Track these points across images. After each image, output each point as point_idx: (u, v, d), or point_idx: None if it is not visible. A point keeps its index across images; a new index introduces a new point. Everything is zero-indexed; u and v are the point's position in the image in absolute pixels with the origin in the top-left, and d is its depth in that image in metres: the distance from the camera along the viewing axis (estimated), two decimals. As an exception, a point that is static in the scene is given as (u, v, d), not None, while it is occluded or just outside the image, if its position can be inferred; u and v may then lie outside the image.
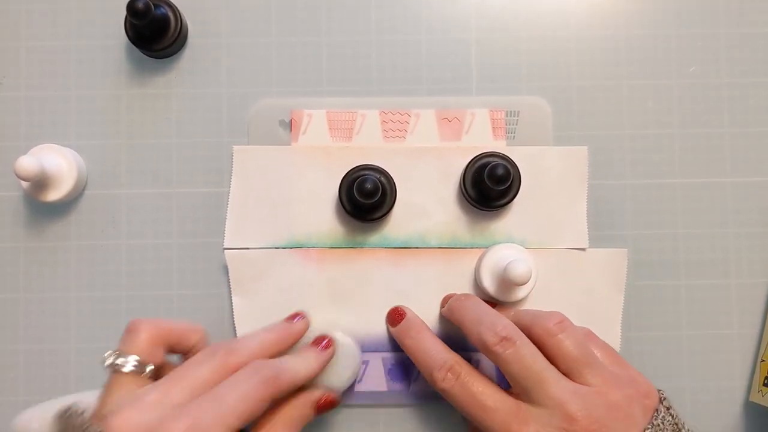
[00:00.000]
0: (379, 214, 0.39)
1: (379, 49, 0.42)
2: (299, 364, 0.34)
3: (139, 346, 0.32)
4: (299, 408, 0.35)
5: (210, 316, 0.41)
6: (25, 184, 0.40)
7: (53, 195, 0.40)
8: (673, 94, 0.42)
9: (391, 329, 0.40)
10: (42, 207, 0.41)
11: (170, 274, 0.41)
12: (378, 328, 0.40)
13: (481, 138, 0.41)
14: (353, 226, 0.41)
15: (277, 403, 0.34)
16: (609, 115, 0.42)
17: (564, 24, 0.43)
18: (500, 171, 0.37)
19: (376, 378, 0.40)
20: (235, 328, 0.40)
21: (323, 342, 0.37)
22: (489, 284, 0.39)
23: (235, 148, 0.41)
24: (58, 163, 0.40)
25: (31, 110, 0.42)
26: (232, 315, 0.40)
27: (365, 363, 0.40)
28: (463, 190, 0.40)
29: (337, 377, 0.37)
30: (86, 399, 0.31)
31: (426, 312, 0.41)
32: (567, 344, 0.34)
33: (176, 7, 0.41)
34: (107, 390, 0.31)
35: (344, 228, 0.41)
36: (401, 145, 0.41)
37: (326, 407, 0.36)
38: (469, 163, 0.40)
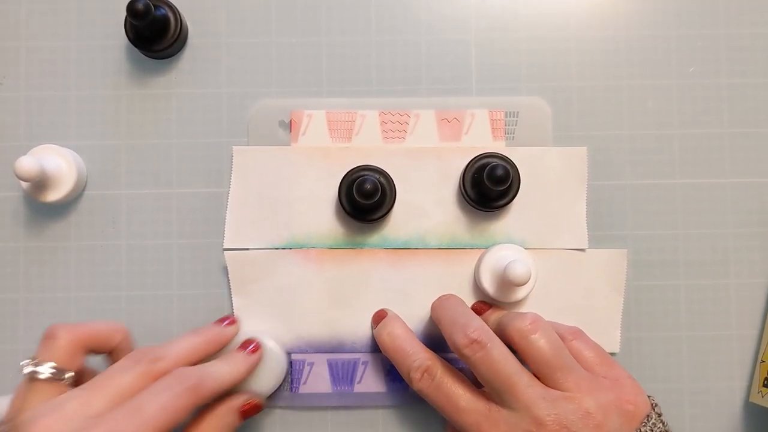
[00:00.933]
0: (378, 214, 0.39)
1: (379, 50, 0.42)
2: (225, 370, 0.34)
3: (57, 353, 0.31)
4: (223, 416, 0.35)
5: (210, 317, 0.41)
6: (25, 184, 0.40)
7: (53, 195, 0.40)
8: (673, 94, 0.42)
9: (373, 329, 0.40)
10: (42, 207, 0.42)
11: (170, 274, 0.41)
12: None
13: (480, 138, 0.41)
14: (353, 226, 0.41)
15: (200, 410, 0.34)
16: (609, 116, 0.42)
17: (564, 24, 0.43)
18: (500, 171, 0.37)
19: (376, 379, 0.40)
20: (234, 328, 0.40)
21: (250, 346, 0.37)
22: (488, 285, 0.39)
23: (235, 148, 0.41)
24: (58, 163, 0.40)
25: (30, 111, 0.42)
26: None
27: (364, 364, 0.40)
28: (463, 190, 0.40)
29: (262, 382, 0.37)
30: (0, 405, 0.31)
31: (425, 313, 0.41)
32: (539, 345, 0.33)
33: (176, 8, 0.41)
34: (23, 397, 0.30)
35: (344, 228, 0.41)
36: (401, 146, 0.41)
37: (250, 412, 0.36)
38: (469, 163, 0.40)
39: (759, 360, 0.41)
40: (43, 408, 0.29)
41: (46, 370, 0.31)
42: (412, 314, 0.41)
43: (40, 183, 0.39)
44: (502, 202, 0.39)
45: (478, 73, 0.42)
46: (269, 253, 0.41)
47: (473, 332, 0.34)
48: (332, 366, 0.40)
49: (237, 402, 0.36)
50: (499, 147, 0.41)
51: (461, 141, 0.41)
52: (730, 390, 0.41)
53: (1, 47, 0.42)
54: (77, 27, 0.42)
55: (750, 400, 0.41)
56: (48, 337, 0.32)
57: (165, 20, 0.40)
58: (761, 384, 0.40)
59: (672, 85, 0.42)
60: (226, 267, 0.41)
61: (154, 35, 0.40)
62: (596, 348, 0.36)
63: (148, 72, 0.42)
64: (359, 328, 0.40)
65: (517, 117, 0.42)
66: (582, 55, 0.43)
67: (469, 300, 0.41)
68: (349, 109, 0.42)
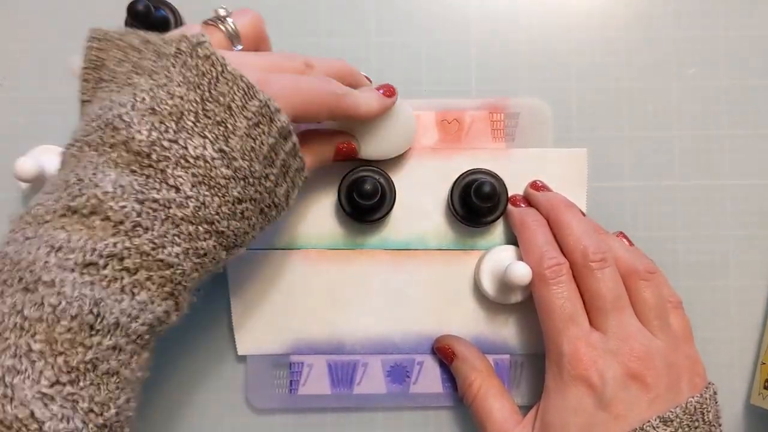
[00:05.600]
0: (378, 215, 0.39)
1: (379, 52, 0.42)
2: (361, 97, 0.35)
3: (244, 24, 0.34)
4: (322, 142, 0.36)
5: (209, 317, 0.41)
6: (24, 185, 0.39)
7: (52, 196, 0.40)
8: (673, 96, 0.42)
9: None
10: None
11: (169, 275, 0.41)
12: (377, 329, 0.40)
13: (480, 140, 0.41)
14: (352, 227, 0.41)
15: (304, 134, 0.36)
16: (609, 118, 0.42)
17: (564, 26, 0.43)
18: (487, 188, 0.37)
19: (375, 380, 0.40)
20: (233, 329, 0.40)
21: (385, 88, 0.37)
22: (489, 286, 0.39)
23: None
24: (58, 164, 0.39)
25: (30, 111, 0.42)
26: (231, 316, 0.40)
27: (364, 366, 0.40)
28: (451, 207, 0.40)
29: (385, 142, 0.38)
30: None
31: (424, 314, 0.40)
32: (647, 294, 0.36)
33: (176, 9, 0.41)
34: (193, 28, 0.32)
35: (343, 229, 0.41)
36: (401, 147, 0.41)
37: (345, 153, 0.37)
38: (456, 180, 0.40)
39: (759, 362, 0.41)
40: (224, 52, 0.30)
41: (230, 26, 0.33)
42: (411, 315, 0.40)
43: (39, 184, 0.39)
44: (490, 218, 0.39)
45: (478, 74, 0.42)
46: (269, 254, 0.40)
47: (608, 251, 0.36)
48: (332, 367, 0.40)
49: (338, 138, 0.37)
50: (499, 148, 0.41)
51: (461, 142, 0.41)
52: (731, 392, 0.41)
53: (1, 47, 0.42)
54: (77, 28, 0.42)
55: (751, 401, 0.41)
56: (242, 10, 0.34)
57: (165, 21, 0.40)
58: (762, 386, 0.40)
59: (672, 86, 0.43)
60: (225, 268, 0.41)
61: (154, 36, 0.40)
62: (685, 324, 0.37)
63: (147, 73, 0.42)
64: (359, 330, 0.40)
65: (517, 118, 0.42)
66: (582, 57, 0.43)
67: (469, 301, 0.41)
68: (349, 110, 0.41)
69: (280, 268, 0.40)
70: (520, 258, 0.38)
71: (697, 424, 0.33)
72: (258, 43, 0.35)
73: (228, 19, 0.33)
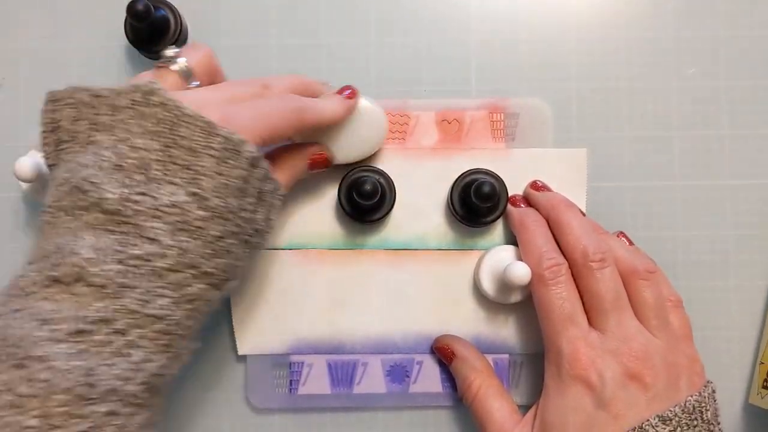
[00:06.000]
0: (378, 215, 0.39)
1: (379, 51, 0.42)
2: (324, 105, 0.35)
3: (195, 58, 0.34)
4: (295, 157, 0.36)
5: (208, 318, 0.41)
6: (24, 185, 0.39)
7: (53, 196, 0.40)
8: (673, 96, 0.42)
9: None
10: (41, 208, 0.41)
11: (169, 275, 0.41)
12: (376, 329, 0.40)
13: (480, 140, 0.41)
14: (352, 227, 0.41)
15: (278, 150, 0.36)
16: (609, 117, 0.42)
17: (564, 26, 0.43)
18: (486, 188, 0.37)
19: (375, 380, 0.40)
20: (233, 329, 0.40)
21: (347, 91, 0.37)
22: (488, 286, 0.39)
23: (235, 149, 0.41)
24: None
25: (30, 111, 0.42)
26: (231, 316, 0.40)
27: (364, 365, 0.40)
28: (451, 207, 0.40)
29: (357, 143, 0.38)
30: None
31: (424, 314, 0.41)
32: (647, 294, 0.36)
33: (176, 9, 0.41)
34: (145, 76, 0.32)
35: (343, 229, 0.41)
36: (401, 147, 0.41)
37: (319, 163, 0.37)
38: (456, 180, 0.40)
39: (758, 361, 0.41)
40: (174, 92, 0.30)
41: (181, 63, 0.33)
42: (411, 315, 0.41)
43: (39, 184, 0.39)
44: (490, 218, 0.39)
45: (478, 74, 0.42)
46: (269, 254, 0.41)
47: (608, 251, 0.36)
48: (332, 367, 0.40)
49: (310, 149, 0.37)
50: (499, 148, 0.41)
51: (461, 142, 0.41)
52: (730, 391, 0.41)
53: (1, 48, 0.42)
54: (77, 28, 0.42)
55: (749, 401, 0.41)
56: (193, 46, 0.35)
57: (165, 21, 0.40)
58: (761, 385, 0.40)
59: (672, 86, 0.43)
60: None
61: (154, 36, 0.40)
62: (685, 323, 0.37)
63: (148, 73, 0.42)
64: (359, 330, 0.40)
65: (517, 118, 0.42)
66: (582, 57, 0.43)
67: (469, 301, 0.41)
68: (349, 110, 0.41)
69: (280, 268, 0.40)
70: (520, 258, 0.38)
71: (695, 422, 0.33)
72: (212, 77, 0.35)
73: (178, 59, 0.33)
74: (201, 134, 0.29)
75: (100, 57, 0.42)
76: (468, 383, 0.38)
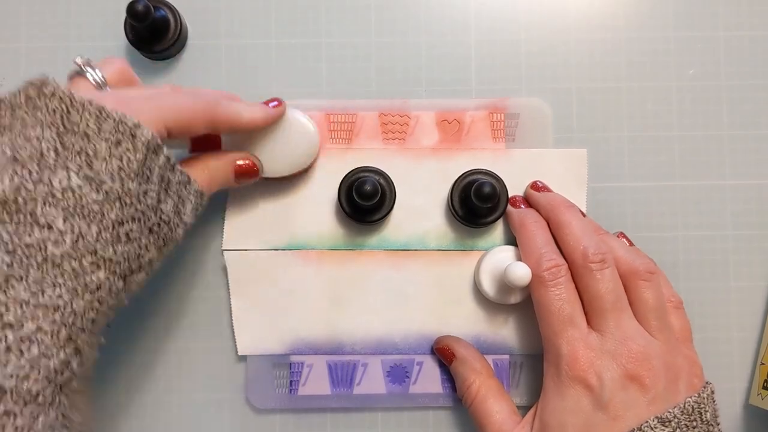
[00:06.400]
0: (378, 216, 0.39)
1: (379, 51, 0.42)
2: (241, 107, 0.35)
3: (110, 70, 0.34)
4: (219, 166, 0.36)
5: (209, 318, 0.41)
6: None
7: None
8: (673, 96, 0.42)
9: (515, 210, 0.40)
10: None
11: (169, 274, 0.41)
12: (376, 330, 0.40)
13: (480, 140, 0.41)
14: (352, 227, 0.41)
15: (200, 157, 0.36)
16: (609, 118, 0.42)
17: (564, 26, 0.43)
18: (487, 189, 0.37)
19: (375, 380, 0.40)
20: (233, 329, 0.40)
21: (273, 102, 0.37)
22: (488, 286, 0.39)
23: (235, 149, 0.41)
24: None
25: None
26: (231, 317, 0.40)
27: (364, 366, 0.40)
28: (451, 208, 0.40)
29: (286, 157, 0.38)
30: None
31: (424, 314, 0.40)
32: (647, 294, 0.36)
33: (176, 9, 0.41)
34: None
35: (343, 230, 0.41)
36: (401, 147, 0.41)
37: (245, 173, 0.37)
38: (456, 181, 0.40)
39: (759, 362, 0.41)
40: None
41: (97, 75, 0.33)
42: (411, 316, 0.41)
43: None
44: (490, 219, 0.39)
45: (478, 74, 0.42)
46: (269, 254, 0.41)
47: (608, 252, 0.36)
48: (332, 368, 0.40)
49: (235, 156, 0.37)
50: (499, 148, 0.41)
51: (461, 142, 0.41)
52: (730, 392, 0.41)
53: (1, 48, 0.42)
54: (77, 28, 0.42)
55: (750, 402, 0.41)
56: (106, 60, 0.35)
57: (165, 21, 0.40)
58: (761, 386, 0.40)
59: (672, 86, 0.43)
60: (225, 268, 0.41)
61: (153, 36, 0.40)
62: (685, 324, 0.37)
63: (148, 73, 0.42)
64: (359, 330, 0.40)
65: (517, 119, 0.42)
66: (582, 57, 0.43)
67: (469, 301, 0.41)
68: (349, 111, 0.42)
69: (280, 268, 0.40)
70: (520, 258, 0.38)
71: (695, 423, 0.33)
72: (131, 85, 0.35)
73: (88, 68, 0.33)
74: (92, 119, 0.29)
75: (100, 57, 0.42)
76: (468, 384, 0.38)
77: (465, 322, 0.41)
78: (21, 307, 0.27)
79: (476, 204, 0.38)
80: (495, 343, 0.40)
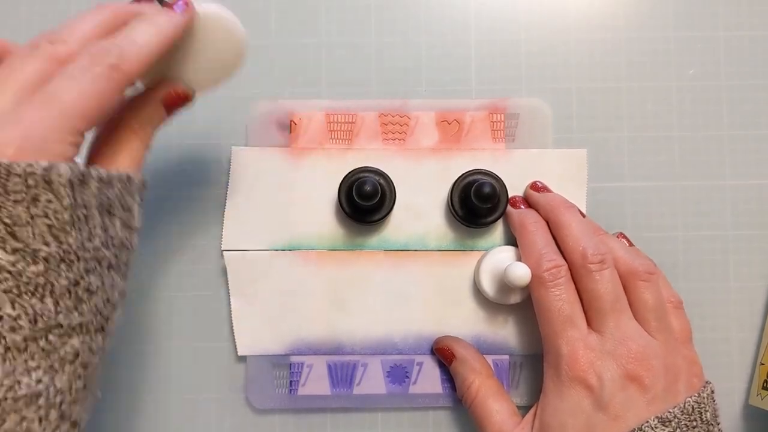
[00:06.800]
0: (378, 216, 0.39)
1: (379, 51, 0.42)
2: (147, 32, 0.28)
3: None
4: (144, 109, 0.30)
5: (209, 318, 0.41)
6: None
7: (52, 196, 0.39)
8: (673, 96, 0.42)
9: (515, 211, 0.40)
10: None
11: (168, 275, 0.41)
12: (376, 330, 0.40)
13: (480, 140, 0.41)
14: (352, 228, 0.41)
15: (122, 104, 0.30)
16: (608, 118, 0.42)
17: (564, 26, 0.43)
18: (487, 189, 0.37)
19: (375, 380, 0.40)
20: (233, 330, 0.40)
21: (179, 3, 0.30)
22: (488, 286, 0.39)
23: (234, 149, 0.41)
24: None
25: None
26: (231, 317, 0.40)
27: (364, 366, 0.40)
28: (451, 208, 0.40)
29: (202, 62, 0.31)
30: None
31: (424, 314, 0.40)
32: (646, 295, 0.35)
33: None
34: None
35: (343, 230, 0.41)
36: (401, 148, 0.41)
37: (175, 103, 0.31)
38: (456, 181, 0.40)
39: (758, 362, 0.41)
40: None
41: None
42: (411, 316, 0.41)
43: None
44: (490, 219, 0.39)
45: (478, 74, 0.42)
46: (268, 255, 0.41)
47: (607, 253, 0.36)
48: (331, 368, 0.40)
49: (159, 92, 0.31)
50: (499, 149, 0.41)
51: (461, 143, 0.41)
52: (730, 392, 0.41)
53: (0, 48, 0.42)
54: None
55: (749, 402, 0.41)
56: None
57: (165, 21, 0.40)
58: (760, 386, 0.40)
59: (672, 87, 0.42)
60: (225, 268, 0.41)
61: (153, 36, 0.40)
62: (685, 324, 0.37)
63: (147, 73, 0.42)
64: (359, 330, 0.40)
65: (517, 119, 0.42)
66: (582, 57, 0.43)
67: (469, 301, 0.41)
68: (349, 111, 0.41)
69: (280, 268, 0.40)
70: (520, 259, 0.38)
71: (695, 423, 0.33)
72: None
73: None
74: None
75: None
76: (467, 384, 0.38)
77: (465, 322, 0.41)
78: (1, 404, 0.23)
79: (476, 204, 0.38)
80: (495, 344, 0.40)
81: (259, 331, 0.40)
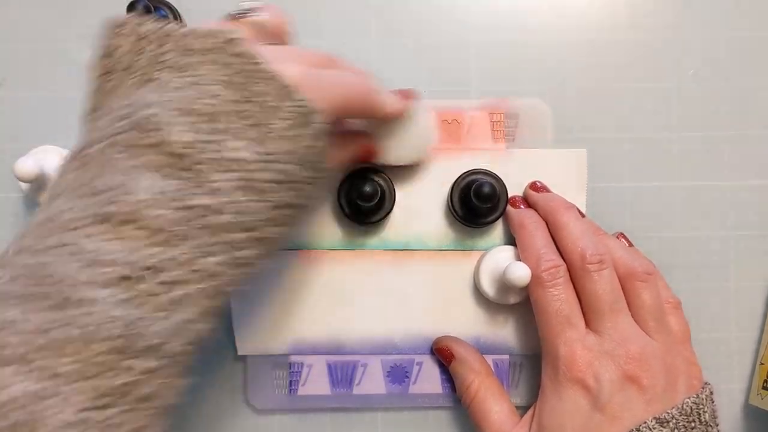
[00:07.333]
0: (378, 216, 0.39)
1: (378, 52, 0.42)
2: (387, 96, 0.34)
3: (270, 17, 0.31)
4: (347, 141, 0.35)
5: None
6: (24, 185, 0.40)
7: (53, 197, 0.40)
8: (673, 96, 0.42)
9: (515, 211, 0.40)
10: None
11: (169, 275, 0.41)
12: (376, 330, 0.40)
13: (480, 140, 0.41)
14: (352, 228, 0.41)
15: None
16: (608, 118, 0.42)
17: (563, 26, 0.43)
18: (486, 189, 0.37)
19: (375, 380, 0.40)
20: (233, 330, 0.40)
21: (406, 92, 0.36)
22: (488, 287, 0.39)
23: (235, 149, 0.41)
24: (58, 164, 0.39)
25: (31, 111, 0.42)
26: (231, 317, 0.40)
27: (364, 366, 0.40)
28: (451, 208, 0.40)
29: (404, 147, 0.38)
30: None
31: (424, 314, 0.41)
32: (645, 295, 0.35)
33: (176, 10, 0.41)
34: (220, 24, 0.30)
35: (343, 231, 0.41)
36: (400, 148, 0.41)
37: (365, 155, 0.37)
38: (456, 181, 0.40)
39: (758, 362, 0.41)
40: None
41: (257, 18, 0.31)
42: (411, 316, 0.41)
43: (39, 184, 0.39)
44: (489, 219, 0.39)
45: (478, 74, 0.42)
46: (269, 255, 0.41)
47: (605, 253, 0.36)
48: (331, 368, 0.40)
49: (362, 138, 0.37)
50: (499, 149, 0.41)
51: (461, 143, 0.41)
52: (730, 392, 0.41)
53: (1, 48, 0.42)
54: (77, 28, 0.42)
55: (749, 402, 0.41)
56: (265, 6, 0.32)
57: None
58: (761, 386, 0.40)
59: (672, 87, 0.42)
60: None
61: (153, 36, 0.40)
62: (684, 326, 0.37)
63: (147, 73, 0.42)
64: (358, 330, 0.40)
65: (517, 119, 0.42)
66: (582, 57, 0.43)
67: (469, 301, 0.41)
68: (349, 111, 0.41)
69: (280, 268, 0.40)
70: (520, 259, 0.38)
71: (693, 424, 0.33)
72: (282, 38, 0.33)
73: (254, 12, 0.31)
74: (276, 94, 0.27)
75: (100, 57, 0.42)
76: (467, 384, 0.38)
77: (465, 322, 0.41)
78: (178, 268, 0.25)
79: (476, 204, 0.38)
80: (495, 344, 0.40)
81: (258, 331, 0.40)
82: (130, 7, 0.37)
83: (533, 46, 0.42)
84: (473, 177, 0.39)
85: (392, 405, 0.41)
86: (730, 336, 0.42)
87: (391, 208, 0.39)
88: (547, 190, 0.40)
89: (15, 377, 0.23)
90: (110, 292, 0.24)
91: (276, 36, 0.32)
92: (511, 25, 0.43)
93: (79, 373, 0.23)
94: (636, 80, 0.42)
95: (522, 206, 0.40)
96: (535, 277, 0.36)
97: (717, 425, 0.34)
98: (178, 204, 0.25)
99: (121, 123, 0.26)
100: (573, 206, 0.39)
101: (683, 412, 0.33)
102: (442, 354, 0.40)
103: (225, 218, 0.26)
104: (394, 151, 0.38)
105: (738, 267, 0.42)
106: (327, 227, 0.41)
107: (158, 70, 0.27)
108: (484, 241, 0.41)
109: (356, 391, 0.40)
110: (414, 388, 0.40)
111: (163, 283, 0.25)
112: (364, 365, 0.40)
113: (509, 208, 0.40)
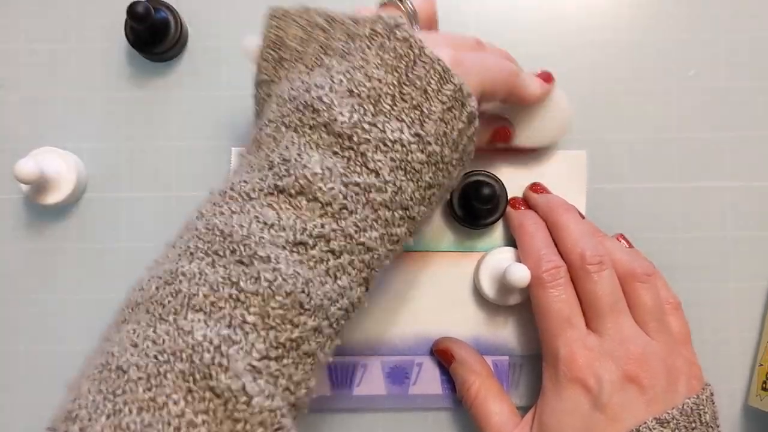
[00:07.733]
0: (493, 218, 0.39)
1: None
2: (530, 80, 0.35)
3: (420, 3, 0.33)
4: (485, 124, 0.36)
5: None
6: (25, 187, 0.40)
7: (53, 198, 0.40)
8: (673, 97, 0.42)
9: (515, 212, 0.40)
10: (42, 210, 0.42)
11: (170, 276, 0.41)
12: (376, 331, 0.40)
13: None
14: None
15: None
16: (608, 119, 0.42)
17: (563, 27, 0.43)
18: (486, 190, 0.37)
19: (375, 381, 0.40)
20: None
21: (545, 74, 0.37)
22: (488, 287, 0.39)
23: (234, 149, 0.41)
24: (58, 166, 0.40)
25: (31, 113, 0.42)
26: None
27: (363, 366, 0.40)
28: (451, 209, 0.40)
29: (538, 130, 0.38)
30: None
31: (424, 315, 0.41)
32: (645, 296, 0.36)
33: (176, 11, 0.41)
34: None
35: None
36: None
37: (501, 137, 0.37)
38: None
39: (757, 363, 0.41)
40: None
41: (410, 8, 0.32)
42: (411, 317, 0.41)
43: (40, 186, 0.39)
44: (489, 220, 0.39)
45: (478, 75, 0.42)
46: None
47: (605, 254, 0.36)
48: (331, 368, 0.40)
49: (499, 120, 0.37)
50: (499, 150, 0.41)
51: (461, 144, 0.41)
52: (729, 393, 0.41)
53: (1, 49, 0.42)
54: (78, 29, 0.42)
55: (748, 403, 0.41)
56: None
57: (165, 23, 0.40)
58: (759, 387, 0.40)
59: (672, 88, 0.42)
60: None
61: (154, 38, 0.40)
62: (684, 326, 0.37)
63: (148, 74, 0.42)
64: (358, 331, 0.40)
65: (516, 120, 0.42)
66: (582, 57, 0.43)
67: (469, 302, 0.41)
68: (349, 112, 0.41)
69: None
70: (520, 260, 0.38)
71: (694, 425, 0.33)
72: (431, 24, 0.35)
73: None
74: (435, 77, 0.29)
75: (101, 59, 0.42)
76: (467, 386, 0.38)
77: (465, 323, 0.41)
78: (346, 239, 0.28)
79: (476, 205, 0.38)
80: (495, 345, 0.41)
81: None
82: (131, 9, 0.37)
83: (533, 47, 0.42)
84: (473, 178, 0.39)
85: (392, 406, 0.41)
86: (730, 337, 0.42)
87: (504, 210, 0.40)
88: (547, 192, 0.40)
89: (206, 322, 0.25)
90: (288, 253, 0.27)
91: (427, 20, 0.34)
92: (511, 25, 0.43)
93: (262, 323, 0.25)
94: (636, 81, 0.42)
95: (522, 208, 0.40)
96: (536, 278, 0.36)
97: (718, 426, 0.35)
98: (346, 180, 0.28)
99: (290, 105, 0.29)
100: (573, 207, 0.39)
101: (684, 412, 0.33)
102: (442, 355, 0.40)
103: (384, 196, 0.28)
104: (531, 132, 0.38)
105: (738, 268, 0.42)
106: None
107: (327, 55, 0.30)
108: (484, 243, 0.41)
109: (356, 392, 0.40)
110: (414, 389, 0.41)
111: (331, 251, 0.27)
112: (364, 366, 0.41)
113: (509, 209, 0.40)
